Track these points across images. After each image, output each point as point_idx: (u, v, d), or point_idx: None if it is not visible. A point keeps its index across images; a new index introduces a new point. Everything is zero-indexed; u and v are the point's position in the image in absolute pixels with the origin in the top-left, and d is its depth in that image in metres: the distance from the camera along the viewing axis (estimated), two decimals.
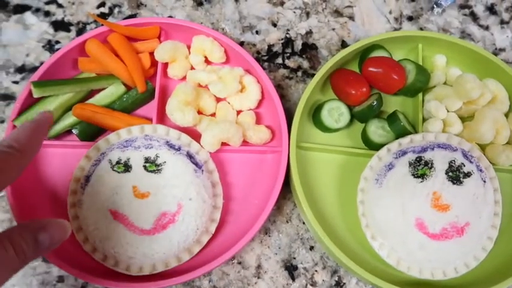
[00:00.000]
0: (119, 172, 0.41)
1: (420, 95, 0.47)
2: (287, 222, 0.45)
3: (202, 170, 0.42)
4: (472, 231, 0.41)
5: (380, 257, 0.41)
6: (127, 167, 0.41)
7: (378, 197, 0.42)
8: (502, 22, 0.54)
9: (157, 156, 0.41)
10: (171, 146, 0.42)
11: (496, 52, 0.52)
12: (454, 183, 0.41)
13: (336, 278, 0.43)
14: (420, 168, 0.41)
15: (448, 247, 0.40)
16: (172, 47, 0.46)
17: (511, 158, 0.43)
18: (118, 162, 0.41)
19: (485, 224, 0.41)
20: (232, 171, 0.45)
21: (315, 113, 0.47)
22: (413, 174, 0.41)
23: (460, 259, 0.41)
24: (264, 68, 0.50)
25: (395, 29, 0.53)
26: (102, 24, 0.46)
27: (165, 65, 0.48)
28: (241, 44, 0.51)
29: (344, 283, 0.43)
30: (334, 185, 0.45)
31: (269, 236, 0.44)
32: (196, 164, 0.42)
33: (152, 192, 0.40)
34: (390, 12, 0.53)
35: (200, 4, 0.53)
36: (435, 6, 0.53)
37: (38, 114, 0.33)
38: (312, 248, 0.44)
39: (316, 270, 0.43)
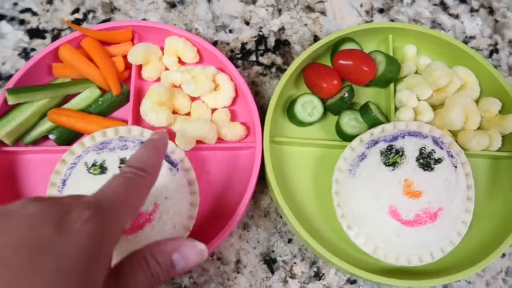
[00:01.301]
0: (95, 174, 0.41)
1: (392, 85, 0.48)
2: (265, 216, 0.45)
3: (178, 169, 0.42)
4: (445, 216, 0.41)
5: (357, 246, 0.41)
6: (103, 169, 0.41)
7: (352, 187, 0.42)
8: (472, 10, 0.54)
9: None
10: None
11: (467, 40, 0.53)
12: (425, 170, 0.41)
13: (315, 269, 0.43)
14: (391, 157, 0.42)
15: (422, 233, 0.41)
16: (144, 49, 0.47)
17: (482, 143, 0.44)
18: (94, 165, 0.42)
19: (459, 209, 0.42)
20: (209, 168, 0.46)
21: (289, 108, 0.48)
22: (384, 163, 0.42)
23: (436, 244, 0.42)
24: (237, 66, 0.51)
25: (367, 22, 0.54)
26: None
27: (139, 67, 0.48)
28: (215, 43, 0.52)
29: (323, 273, 0.43)
30: (310, 178, 0.46)
31: (247, 231, 0.44)
32: (171, 163, 0.43)
33: None
34: (361, 6, 0.54)
35: (173, 6, 0.54)
36: None
37: (155, 133, 0.32)
38: (290, 240, 0.44)
39: (295, 262, 0.43)
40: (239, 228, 0.45)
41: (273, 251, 0.44)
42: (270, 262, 0.43)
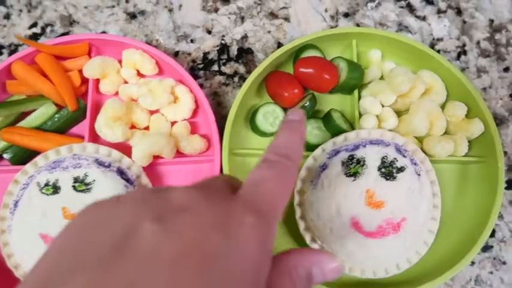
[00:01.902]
0: (47, 194, 0.40)
1: (356, 91, 0.46)
2: None
3: (134, 185, 0.41)
4: (409, 226, 0.40)
5: None
6: (56, 189, 0.40)
7: (314, 198, 0.41)
8: (439, 11, 0.53)
9: (86, 175, 0.40)
10: (101, 164, 0.41)
11: (434, 42, 0.52)
12: (387, 179, 0.40)
13: None
14: (352, 167, 0.41)
15: (386, 244, 0.40)
16: (101, 63, 0.46)
17: (447, 149, 0.43)
18: (46, 185, 0.40)
19: (425, 218, 0.41)
20: (169, 183, 0.45)
21: (251, 118, 0.46)
22: (345, 173, 0.41)
23: (402, 255, 0.41)
24: (199, 77, 0.50)
25: (332, 27, 0.52)
26: None
27: (97, 81, 0.47)
28: (176, 53, 0.51)
29: None
30: None
31: None
32: (127, 179, 0.41)
33: None
34: (326, 11, 0.53)
35: (133, 17, 0.52)
36: (369, 0, 0.52)
37: (292, 113, 0.28)
38: None
39: None
40: None
41: None
42: None
